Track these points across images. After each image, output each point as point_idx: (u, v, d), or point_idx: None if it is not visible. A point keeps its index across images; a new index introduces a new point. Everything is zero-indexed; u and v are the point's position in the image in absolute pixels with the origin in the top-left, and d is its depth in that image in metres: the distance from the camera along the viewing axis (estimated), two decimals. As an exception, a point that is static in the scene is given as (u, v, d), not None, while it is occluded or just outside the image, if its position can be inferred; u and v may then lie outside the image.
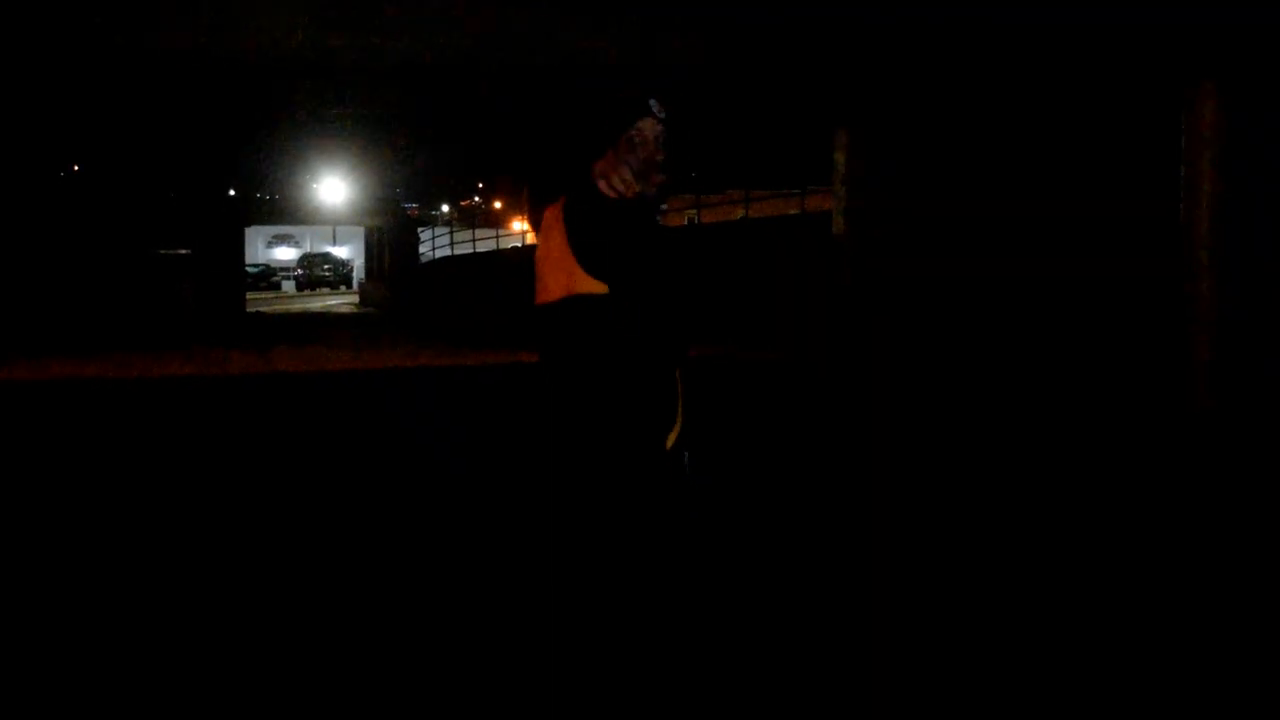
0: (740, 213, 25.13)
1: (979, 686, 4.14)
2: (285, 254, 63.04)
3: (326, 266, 58.18)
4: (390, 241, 42.99)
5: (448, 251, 40.04)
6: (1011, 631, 4.72)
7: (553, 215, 2.77)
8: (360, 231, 54.85)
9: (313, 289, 56.38)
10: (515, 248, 35.74)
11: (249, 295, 39.65)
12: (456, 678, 4.13)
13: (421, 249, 42.31)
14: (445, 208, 73.50)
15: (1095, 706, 3.98)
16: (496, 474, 8.03)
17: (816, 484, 7.76)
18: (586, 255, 2.68)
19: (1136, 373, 10.13)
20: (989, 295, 11.89)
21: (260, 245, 61.36)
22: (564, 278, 2.72)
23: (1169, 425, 9.51)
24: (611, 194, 2.79)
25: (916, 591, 5.24)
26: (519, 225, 59.49)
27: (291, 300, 50.15)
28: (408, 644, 4.49)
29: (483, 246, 37.71)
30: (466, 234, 41.57)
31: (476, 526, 6.50)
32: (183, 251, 30.93)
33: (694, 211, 29.61)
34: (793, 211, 23.60)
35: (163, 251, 30.60)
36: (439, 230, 47.38)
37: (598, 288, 2.68)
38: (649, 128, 2.82)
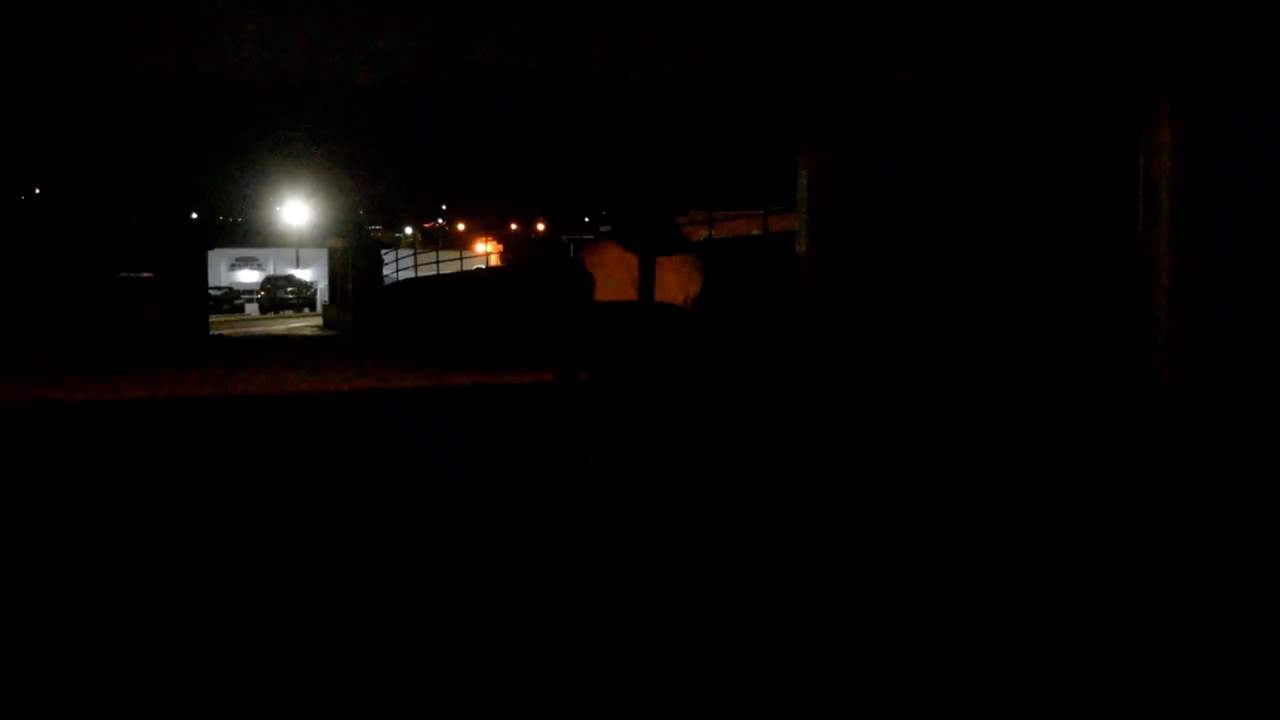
0: (703, 233, 25.20)
1: (970, 686, 4.18)
2: (248, 276, 62.77)
3: (290, 289, 57.96)
4: (354, 263, 42.85)
5: (412, 273, 39.97)
6: (1007, 629, 4.76)
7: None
8: (323, 254, 54.69)
9: (276, 311, 56.12)
10: (480, 269, 35.79)
11: (212, 318, 39.43)
12: None
13: (385, 271, 42.23)
14: (409, 229, 73.38)
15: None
16: (470, 499, 8.03)
17: (807, 486, 7.80)
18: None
19: (1107, 363, 10.25)
20: (954, 303, 11.98)
21: (223, 268, 61.08)
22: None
23: (1134, 403, 9.62)
24: None
25: (908, 591, 5.28)
26: (482, 247, 59.45)
27: (255, 323, 49.88)
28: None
29: (446, 268, 37.68)
30: (431, 255, 41.50)
31: (443, 555, 6.49)
32: (145, 274, 30.74)
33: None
34: (755, 232, 23.68)
35: (125, 274, 30.41)
36: (402, 252, 47.29)
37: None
38: None
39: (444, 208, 78.22)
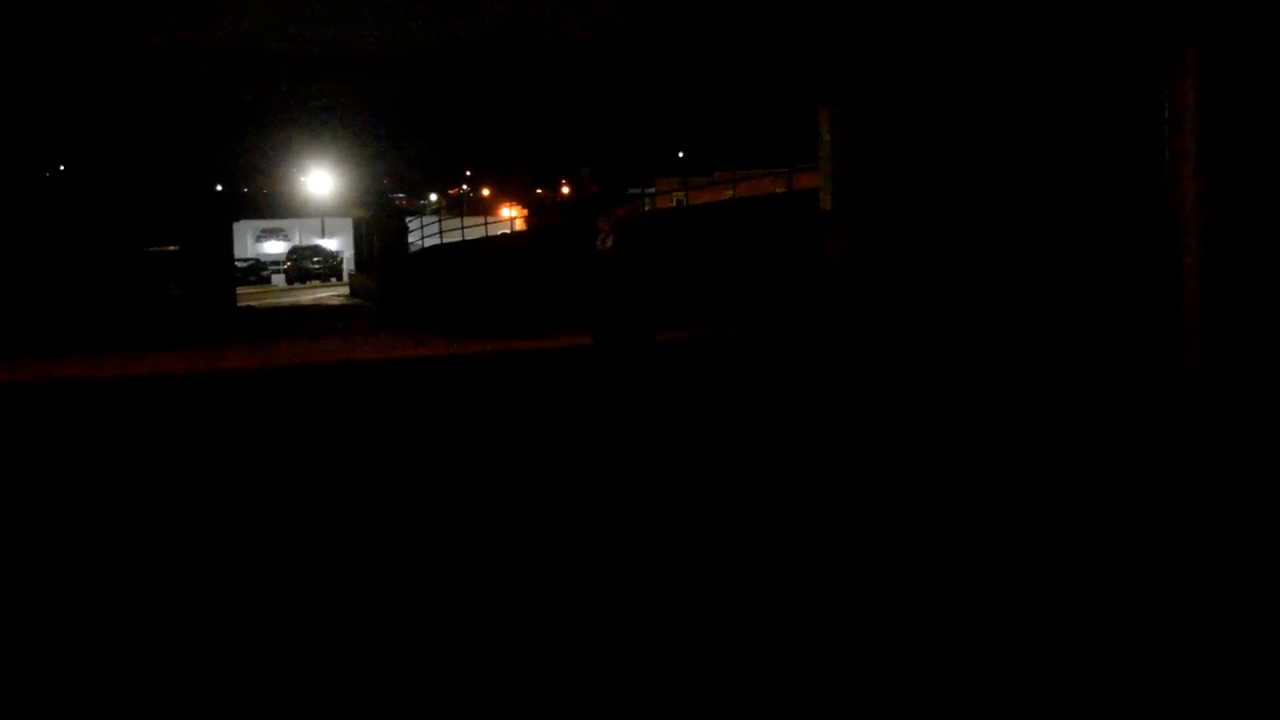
0: (729, 193, 25.13)
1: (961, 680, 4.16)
2: (274, 247, 62.99)
3: (316, 259, 58.13)
4: (379, 232, 42.94)
5: (436, 240, 39.99)
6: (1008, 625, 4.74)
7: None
8: (349, 223, 54.81)
9: (303, 282, 56.31)
10: (505, 234, 35.74)
11: (239, 290, 39.56)
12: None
13: (410, 238, 42.25)
14: (434, 196, 73.37)
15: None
16: (509, 471, 8.03)
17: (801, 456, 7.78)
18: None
19: (1126, 344, 10.15)
20: (972, 271, 11.89)
21: (249, 239, 61.28)
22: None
23: (1154, 386, 9.53)
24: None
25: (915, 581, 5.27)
26: (507, 212, 59.43)
27: (282, 294, 50.08)
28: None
29: (471, 234, 37.68)
30: (455, 222, 41.50)
31: (479, 527, 6.50)
32: (171, 248, 30.91)
33: (682, 194, 29.58)
34: (780, 190, 23.57)
35: (151, 249, 30.58)
36: (427, 219, 47.33)
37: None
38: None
39: (468, 174, 78.15)
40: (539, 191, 72.02)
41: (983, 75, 11.91)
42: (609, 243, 6.87)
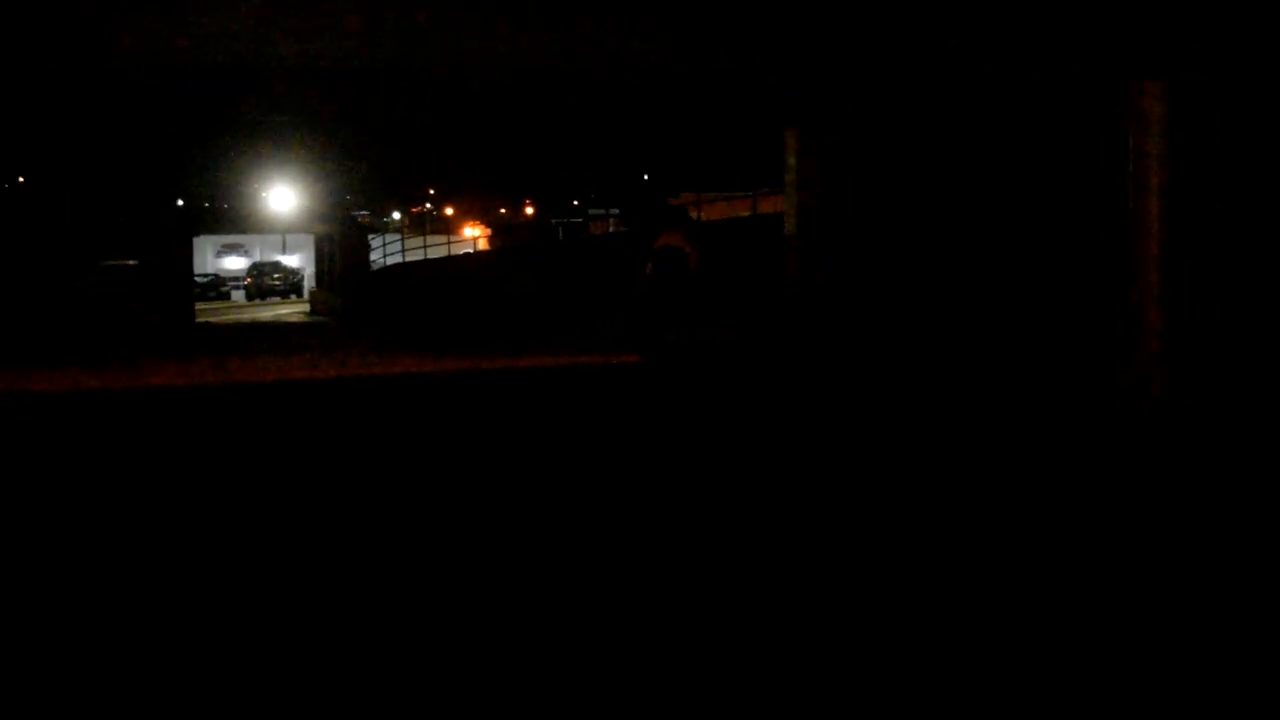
0: (694, 215, 25.22)
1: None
2: (235, 263, 62.57)
3: (276, 275, 57.75)
4: (341, 249, 42.73)
5: (399, 258, 39.85)
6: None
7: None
8: (310, 239, 54.52)
9: (263, 298, 55.95)
10: (469, 254, 35.71)
11: (198, 305, 39.24)
12: None
13: (372, 256, 42.07)
14: (396, 214, 73.20)
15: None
16: (482, 495, 8.02)
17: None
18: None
19: (1083, 362, 10.23)
20: (937, 289, 11.99)
21: (209, 255, 60.86)
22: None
23: (1113, 422, 9.61)
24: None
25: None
26: (470, 231, 59.34)
27: (241, 310, 49.71)
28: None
29: (434, 253, 37.61)
30: (418, 240, 41.38)
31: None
32: (130, 263, 30.63)
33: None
34: (744, 214, 23.71)
35: (110, 263, 30.30)
36: (390, 237, 47.17)
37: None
38: None
39: (431, 192, 78.04)
40: (502, 212, 71.97)
41: (946, 108, 12.02)
42: (649, 268, 7.80)
